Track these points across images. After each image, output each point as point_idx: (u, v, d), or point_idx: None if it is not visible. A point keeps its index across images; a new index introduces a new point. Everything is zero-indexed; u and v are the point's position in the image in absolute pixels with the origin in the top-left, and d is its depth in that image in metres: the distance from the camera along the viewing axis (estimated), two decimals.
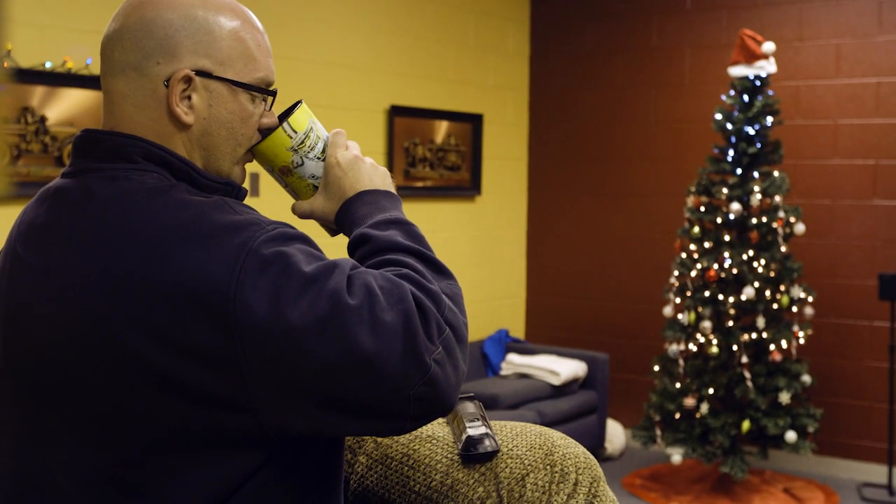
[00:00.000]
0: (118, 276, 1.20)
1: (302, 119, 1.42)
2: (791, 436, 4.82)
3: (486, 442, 1.46)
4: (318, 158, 1.44)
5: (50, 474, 1.27)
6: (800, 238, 5.14)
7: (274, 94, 1.40)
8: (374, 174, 1.48)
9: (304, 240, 1.27)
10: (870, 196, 5.38)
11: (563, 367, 5.52)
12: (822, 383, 5.31)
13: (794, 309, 4.98)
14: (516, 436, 1.51)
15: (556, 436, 1.53)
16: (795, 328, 4.96)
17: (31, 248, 1.31)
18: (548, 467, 1.46)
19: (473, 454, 1.46)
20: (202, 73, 1.32)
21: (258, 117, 1.40)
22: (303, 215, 1.49)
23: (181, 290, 1.17)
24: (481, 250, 6.20)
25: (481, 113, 6.07)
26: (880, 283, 4.98)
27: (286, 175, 1.45)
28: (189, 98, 1.32)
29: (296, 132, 1.41)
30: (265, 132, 1.41)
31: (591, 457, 1.52)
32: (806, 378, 4.93)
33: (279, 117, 1.42)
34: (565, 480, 1.46)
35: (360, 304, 1.19)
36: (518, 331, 6.53)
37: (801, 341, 4.98)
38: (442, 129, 5.80)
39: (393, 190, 1.49)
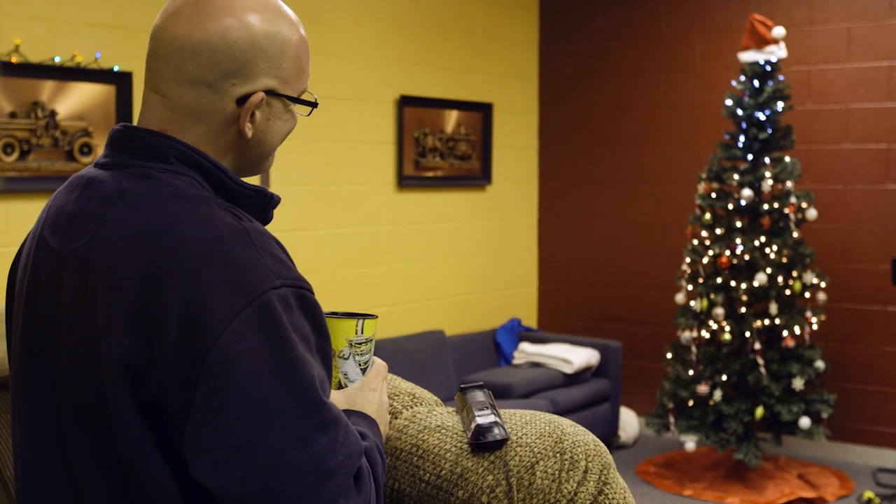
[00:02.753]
0: (129, 275, 1.23)
1: (371, 329, 1.48)
2: (805, 422, 4.81)
3: (496, 430, 1.47)
4: (359, 365, 1.48)
5: (52, 455, 1.33)
6: (812, 223, 5.12)
7: (316, 105, 1.45)
8: (385, 416, 1.50)
9: (307, 307, 1.28)
10: (882, 180, 5.35)
11: (575, 356, 5.52)
12: (835, 369, 5.30)
13: (807, 295, 4.96)
14: (525, 424, 1.52)
15: (566, 423, 1.53)
16: (808, 314, 4.95)
17: (58, 235, 1.34)
18: (557, 455, 1.47)
19: (483, 443, 1.46)
20: (270, 93, 1.36)
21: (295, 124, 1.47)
22: None
23: (180, 306, 1.19)
24: (492, 239, 6.20)
25: (491, 102, 6.06)
26: (893, 267, 4.95)
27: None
28: (253, 115, 1.36)
29: (362, 333, 1.47)
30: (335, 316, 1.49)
31: (601, 444, 1.53)
32: (819, 364, 4.92)
33: (359, 314, 1.50)
34: (575, 468, 1.47)
35: (316, 438, 1.20)
36: (530, 319, 6.54)
37: (815, 327, 4.97)
38: (452, 118, 5.80)
39: (383, 431, 1.48)
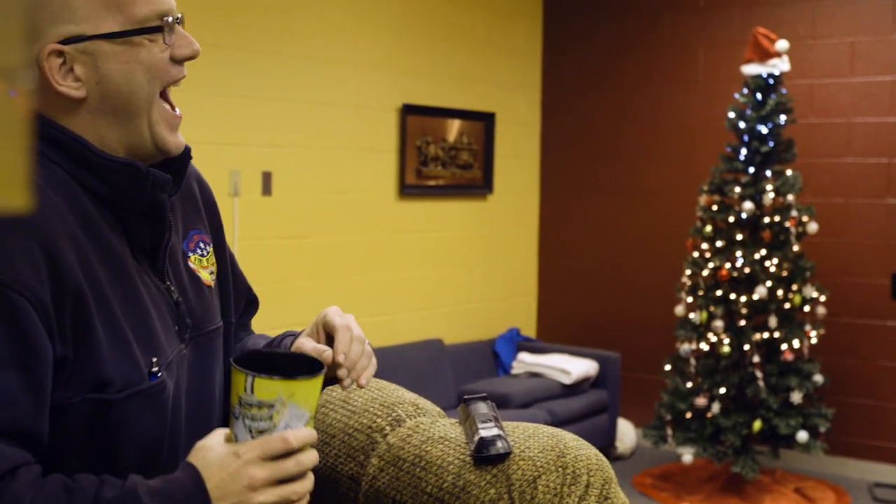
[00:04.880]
0: None
1: (268, 392, 1.17)
2: (803, 435, 4.81)
3: (499, 443, 1.46)
4: (250, 432, 1.18)
5: None
6: (812, 237, 5.12)
7: (152, 30, 1.25)
8: (242, 497, 1.16)
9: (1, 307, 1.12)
10: (883, 195, 5.36)
11: (574, 367, 5.52)
12: (834, 383, 5.29)
13: (807, 308, 4.96)
14: (528, 437, 1.51)
15: (569, 437, 1.53)
16: (807, 327, 4.95)
17: None
18: (559, 469, 1.46)
19: (486, 455, 1.46)
20: (71, 40, 1.21)
21: (167, 51, 1.27)
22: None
23: None
24: (493, 249, 6.20)
25: (493, 111, 6.06)
26: (893, 282, 4.96)
27: (231, 410, 1.23)
28: (72, 71, 1.22)
29: (251, 393, 1.17)
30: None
31: (604, 458, 1.52)
32: (818, 378, 4.92)
33: (257, 363, 1.21)
34: (577, 482, 1.46)
35: None
36: (529, 329, 6.53)
37: (814, 341, 4.97)
38: (454, 127, 5.80)
39: None
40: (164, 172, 1.31)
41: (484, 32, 6.02)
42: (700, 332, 5.04)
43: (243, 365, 1.18)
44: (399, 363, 5.10)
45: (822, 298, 4.96)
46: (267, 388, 1.17)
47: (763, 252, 4.92)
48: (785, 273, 4.94)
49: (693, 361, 5.07)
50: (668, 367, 5.21)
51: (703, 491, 5.12)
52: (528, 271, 6.55)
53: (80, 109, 1.24)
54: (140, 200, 1.27)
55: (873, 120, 5.39)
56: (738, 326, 4.94)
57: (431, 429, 1.57)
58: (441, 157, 5.71)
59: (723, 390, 4.94)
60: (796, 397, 4.83)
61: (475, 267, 6.05)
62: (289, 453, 1.18)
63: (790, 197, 4.93)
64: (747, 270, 4.90)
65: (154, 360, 1.29)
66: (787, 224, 4.93)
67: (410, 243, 5.56)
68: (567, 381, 5.46)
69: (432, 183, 5.66)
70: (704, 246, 5.08)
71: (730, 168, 5.07)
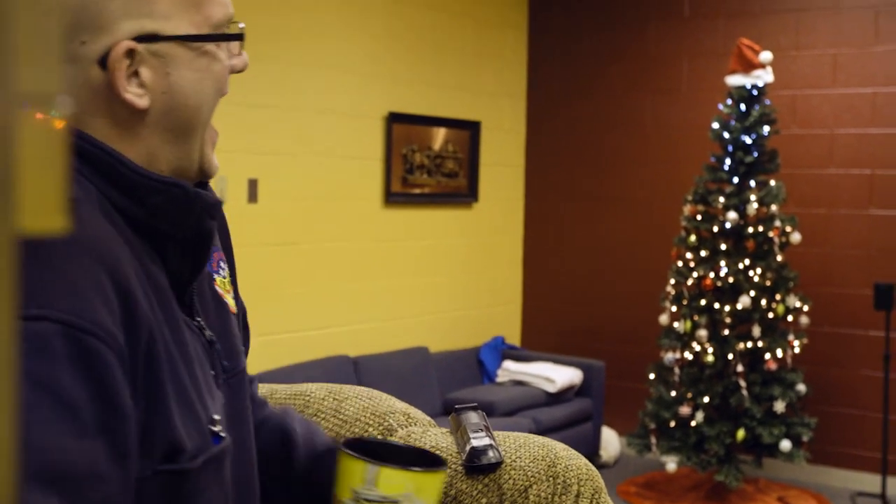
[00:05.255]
0: None
1: (400, 484, 1.02)
2: (786, 444, 4.84)
3: (490, 453, 1.47)
4: None
5: None
6: (796, 247, 5.16)
7: (241, 37, 1.11)
8: None
9: (87, 360, 0.90)
10: (866, 205, 5.40)
11: (558, 375, 5.53)
12: (816, 392, 5.33)
13: (790, 318, 5.00)
14: (520, 447, 1.52)
15: (559, 447, 1.54)
16: (791, 337, 4.99)
17: None
18: (550, 479, 1.47)
19: (477, 465, 1.47)
20: (146, 39, 1.02)
21: (227, 64, 1.11)
22: None
23: None
24: (478, 257, 6.22)
25: (479, 120, 6.09)
26: (876, 292, 5.00)
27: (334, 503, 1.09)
28: (137, 75, 1.02)
29: (374, 486, 1.02)
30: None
31: (594, 468, 1.53)
32: (801, 387, 4.95)
33: (377, 453, 1.06)
34: (567, 492, 1.47)
35: None
36: (514, 338, 6.55)
37: (797, 350, 5.01)
38: (440, 135, 5.82)
39: None
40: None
41: (470, 41, 6.05)
42: (684, 341, 5.07)
43: (356, 451, 1.01)
44: (385, 371, 5.11)
45: (805, 308, 5.01)
46: (395, 480, 1.01)
47: (747, 262, 4.95)
48: (768, 283, 4.97)
49: (677, 370, 5.10)
50: (652, 376, 5.23)
51: (687, 499, 5.15)
52: (513, 279, 6.56)
53: (137, 122, 1.05)
54: (184, 227, 1.08)
55: (855, 131, 5.44)
56: (721, 336, 4.97)
57: (423, 438, 1.58)
58: (426, 166, 5.72)
59: (706, 399, 4.96)
60: (779, 406, 4.86)
61: (460, 275, 6.07)
62: None
63: (774, 207, 4.97)
64: (731, 280, 4.93)
65: (215, 417, 1.10)
66: (771, 234, 4.97)
67: (396, 251, 5.57)
68: (551, 389, 5.48)
69: (418, 191, 5.68)
70: (689, 255, 5.11)
71: (714, 178, 5.11)
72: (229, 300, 1.28)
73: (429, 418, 1.73)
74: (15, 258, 0.46)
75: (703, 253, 5.06)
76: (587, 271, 6.35)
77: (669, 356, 5.12)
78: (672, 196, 5.88)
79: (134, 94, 1.02)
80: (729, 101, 5.10)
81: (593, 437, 5.68)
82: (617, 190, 6.22)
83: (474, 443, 1.48)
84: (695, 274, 5.04)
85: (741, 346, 4.92)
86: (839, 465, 5.50)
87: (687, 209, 5.13)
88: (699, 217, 5.09)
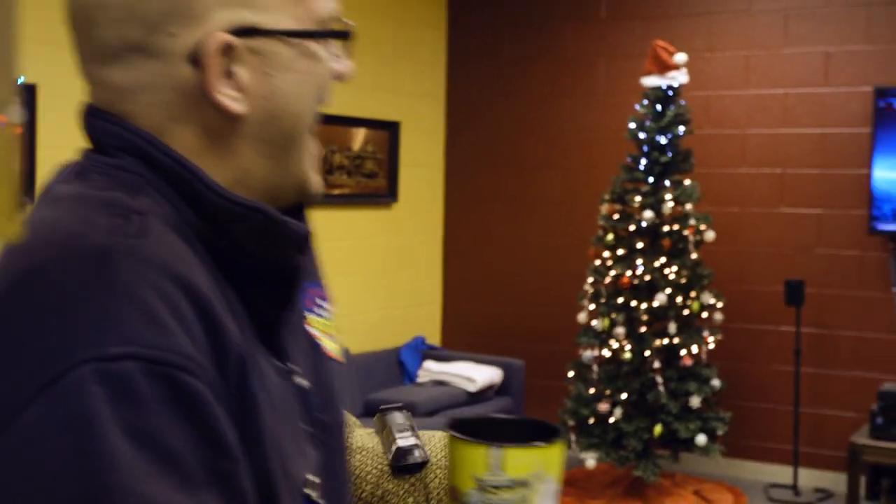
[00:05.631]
0: None
1: (527, 464, 0.89)
2: (701, 439, 4.94)
3: (416, 452, 1.48)
4: None
5: None
6: (710, 245, 5.27)
7: (349, 34, 0.96)
8: None
9: (184, 401, 0.75)
10: (777, 204, 5.55)
11: (478, 374, 5.56)
12: (730, 387, 5.45)
13: (705, 315, 5.11)
14: (444, 446, 1.53)
15: None
16: (705, 333, 5.09)
17: None
18: None
19: (404, 465, 1.47)
20: (245, 32, 0.86)
21: (330, 68, 0.94)
22: None
23: None
24: (398, 257, 6.22)
25: (398, 120, 6.09)
26: (786, 289, 5.14)
27: (451, 498, 0.94)
28: (232, 75, 0.86)
29: (500, 470, 0.88)
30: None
31: None
32: (715, 382, 5.06)
33: (496, 433, 0.91)
34: None
35: None
36: (434, 337, 6.57)
37: (711, 346, 5.12)
38: (359, 136, 5.80)
39: None
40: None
41: (389, 42, 6.04)
42: (602, 338, 5.15)
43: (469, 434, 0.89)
44: None
45: (720, 305, 5.12)
46: (522, 460, 0.88)
47: (663, 260, 5.05)
48: (684, 280, 5.07)
49: (595, 368, 5.17)
50: (571, 374, 5.30)
51: (606, 495, 5.22)
52: (433, 279, 6.58)
53: (230, 132, 0.88)
54: (266, 259, 0.90)
55: (767, 131, 5.59)
56: (638, 333, 5.06)
57: (349, 439, 1.58)
58: (346, 166, 5.70)
59: (624, 396, 5.05)
60: (695, 402, 4.96)
61: (380, 275, 6.06)
62: None
63: (688, 206, 5.08)
64: (647, 278, 5.02)
65: (310, 478, 0.93)
66: (686, 233, 5.07)
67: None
68: (472, 388, 5.51)
69: (337, 192, 5.65)
70: (606, 254, 5.19)
71: (630, 178, 5.20)
72: (328, 344, 1.09)
73: (355, 419, 1.73)
74: None
75: (619, 251, 5.14)
76: (506, 271, 6.40)
77: (588, 354, 5.19)
78: (590, 196, 5.96)
79: (229, 97, 0.86)
80: (645, 102, 5.20)
81: None
82: (536, 190, 6.28)
83: (400, 443, 1.49)
84: (612, 272, 5.12)
85: (657, 342, 5.02)
86: (753, 457, 5.64)
87: (604, 209, 5.22)
88: (616, 216, 5.18)
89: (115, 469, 0.70)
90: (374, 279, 6.03)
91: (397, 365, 5.92)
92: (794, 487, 5.27)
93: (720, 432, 5.03)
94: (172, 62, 0.84)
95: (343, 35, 0.94)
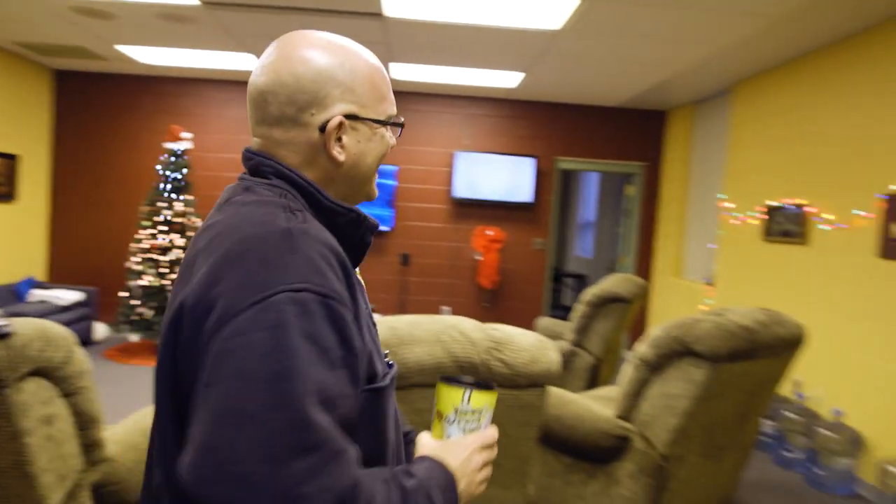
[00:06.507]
0: (198, 269, 0.80)
1: (480, 402, 0.91)
2: None
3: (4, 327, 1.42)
4: (464, 431, 0.91)
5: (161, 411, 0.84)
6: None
7: (403, 125, 0.96)
8: (472, 476, 0.90)
9: (334, 318, 0.75)
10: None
11: (68, 295, 5.24)
12: None
13: None
14: (27, 324, 1.46)
15: (54, 326, 1.51)
16: None
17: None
18: (43, 339, 1.45)
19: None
20: (350, 117, 0.90)
21: (389, 142, 0.96)
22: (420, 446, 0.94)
23: (207, 295, 0.75)
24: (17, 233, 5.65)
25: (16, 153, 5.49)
26: None
27: (437, 416, 0.94)
28: (340, 140, 0.90)
29: (468, 403, 0.91)
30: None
31: (70, 334, 1.50)
32: None
33: (470, 383, 0.91)
34: (55, 345, 1.47)
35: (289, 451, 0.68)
36: (43, 276, 6.02)
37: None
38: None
39: (463, 486, 0.89)
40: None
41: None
42: (140, 273, 5.07)
43: (453, 383, 0.91)
44: None
45: None
46: (480, 399, 0.91)
47: (175, 235, 5.10)
48: (183, 243, 5.01)
49: (140, 291, 5.08)
50: (126, 294, 5.15)
51: (143, 355, 5.12)
52: (40, 245, 6.03)
53: (334, 171, 0.91)
54: (356, 241, 0.91)
55: (234, 174, 5.74)
56: (159, 272, 5.05)
57: None
58: None
59: (154, 304, 5.01)
60: None
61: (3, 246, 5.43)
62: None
63: (190, 209, 5.20)
64: (165, 244, 5.08)
65: (385, 351, 0.97)
66: (187, 222, 5.14)
67: None
68: (62, 304, 5.26)
69: None
70: (145, 232, 5.10)
71: (158, 193, 5.21)
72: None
73: None
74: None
75: (151, 231, 5.15)
76: (92, 239, 6.11)
77: (135, 283, 5.09)
78: (139, 201, 5.99)
79: (337, 152, 0.90)
80: (167, 155, 5.25)
81: (88, 329, 5.53)
82: (114, 196, 6.09)
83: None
84: (148, 242, 5.11)
85: (169, 278, 5.04)
86: None
87: (144, 209, 5.19)
88: (150, 212, 5.16)
89: (295, 356, 0.69)
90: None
91: (13, 294, 5.42)
92: None
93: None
94: (310, 129, 0.88)
95: (401, 125, 0.95)
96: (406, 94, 5.89)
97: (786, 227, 4.01)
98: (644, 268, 6.16)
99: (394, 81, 5.52)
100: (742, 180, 4.61)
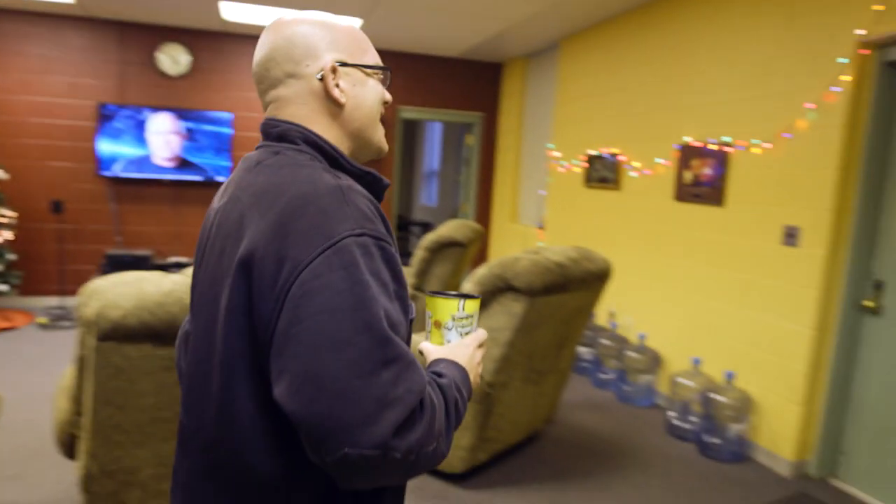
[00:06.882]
0: (248, 225, 0.91)
1: (472, 308, 1.09)
2: (3, 288, 4.66)
3: None
4: (461, 335, 1.08)
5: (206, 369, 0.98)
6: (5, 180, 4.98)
7: (388, 69, 1.09)
8: (476, 369, 1.07)
9: (388, 257, 0.90)
10: (43, 160, 5.22)
11: None
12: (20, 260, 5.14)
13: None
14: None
15: None
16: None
17: (217, 198, 1.05)
18: None
19: None
20: (342, 63, 1.02)
21: (381, 89, 1.08)
22: (421, 351, 1.08)
23: (276, 247, 0.87)
24: None
25: None
26: (52, 204, 4.97)
27: (435, 326, 1.09)
28: (338, 85, 1.02)
29: (463, 310, 1.08)
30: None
31: None
32: (11, 256, 4.77)
33: (461, 295, 1.08)
34: None
35: (380, 357, 0.83)
36: None
37: (11, 237, 4.73)
38: None
39: (472, 378, 1.06)
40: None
41: None
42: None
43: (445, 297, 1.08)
44: None
45: (14, 214, 4.79)
46: (471, 305, 1.08)
47: None
48: None
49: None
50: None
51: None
52: None
53: (338, 113, 1.03)
54: (370, 196, 0.99)
55: (43, 121, 5.24)
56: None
57: None
58: None
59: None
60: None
61: None
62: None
63: None
64: None
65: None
66: None
67: None
68: None
69: None
70: None
71: None
72: None
73: None
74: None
75: None
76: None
77: None
78: None
79: (338, 93, 1.01)
80: None
81: None
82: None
83: None
84: None
85: None
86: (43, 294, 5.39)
87: None
88: None
89: (368, 287, 0.84)
90: None
91: None
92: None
93: (15, 282, 4.86)
94: (309, 80, 1.01)
95: (387, 69, 1.08)
96: (241, 38, 5.66)
97: (603, 174, 4.39)
98: (484, 214, 6.49)
99: (225, 23, 5.33)
100: (567, 131, 4.95)
